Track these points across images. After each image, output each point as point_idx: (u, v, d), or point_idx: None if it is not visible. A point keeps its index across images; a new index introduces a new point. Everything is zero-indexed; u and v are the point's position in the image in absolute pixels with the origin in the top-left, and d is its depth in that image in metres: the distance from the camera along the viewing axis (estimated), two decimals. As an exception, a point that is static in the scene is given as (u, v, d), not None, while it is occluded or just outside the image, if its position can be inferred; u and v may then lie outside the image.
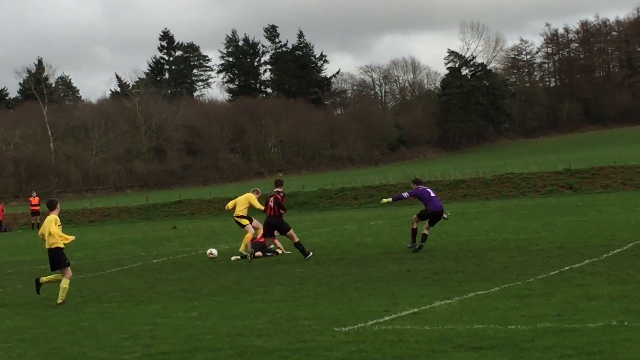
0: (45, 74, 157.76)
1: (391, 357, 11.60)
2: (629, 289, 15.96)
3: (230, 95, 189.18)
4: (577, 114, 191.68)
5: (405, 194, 27.18)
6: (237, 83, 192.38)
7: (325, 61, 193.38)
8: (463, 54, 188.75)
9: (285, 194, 28.43)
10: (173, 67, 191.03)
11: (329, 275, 21.29)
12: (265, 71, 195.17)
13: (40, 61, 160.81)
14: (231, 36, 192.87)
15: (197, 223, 54.63)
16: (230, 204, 29.64)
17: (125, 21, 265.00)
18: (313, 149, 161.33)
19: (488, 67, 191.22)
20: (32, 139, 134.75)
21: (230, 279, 22.05)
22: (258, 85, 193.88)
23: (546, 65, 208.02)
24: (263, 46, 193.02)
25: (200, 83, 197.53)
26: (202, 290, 20.25)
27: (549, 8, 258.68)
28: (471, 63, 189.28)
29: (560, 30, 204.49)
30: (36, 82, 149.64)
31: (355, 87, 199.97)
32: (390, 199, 27.57)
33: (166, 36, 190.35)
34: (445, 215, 26.37)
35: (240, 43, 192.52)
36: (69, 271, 19.65)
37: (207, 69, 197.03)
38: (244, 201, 29.00)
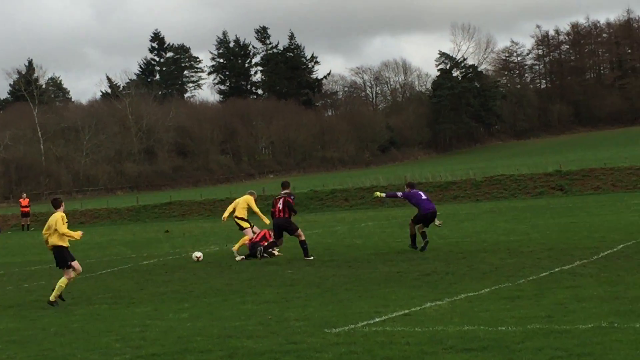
0: (35, 75, 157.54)
1: (381, 358, 11.61)
2: (618, 291, 15.98)
3: (221, 96, 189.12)
4: (568, 115, 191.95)
5: (399, 194, 27.45)
6: (227, 84, 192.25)
7: (316, 62, 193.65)
8: (454, 56, 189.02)
9: (294, 195, 28.48)
10: (164, 69, 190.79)
11: (319, 277, 21.29)
12: (256, 72, 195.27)
13: (30, 62, 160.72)
14: (222, 37, 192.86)
15: (187, 224, 54.57)
16: (226, 213, 29.65)
17: (115, 22, 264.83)
18: (304, 150, 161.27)
19: (479, 69, 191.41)
20: (22, 140, 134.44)
21: (221, 281, 22.04)
22: (249, 86, 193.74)
23: (537, 67, 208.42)
24: (254, 47, 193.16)
25: (191, 84, 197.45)
26: (193, 291, 20.23)
27: (539, 10, 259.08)
28: (462, 65, 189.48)
29: (551, 32, 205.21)
30: (26, 83, 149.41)
31: (346, 89, 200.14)
32: (383, 195, 27.85)
33: (157, 37, 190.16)
34: (437, 223, 26.55)
35: (231, 44, 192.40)
36: (70, 272, 19.68)
37: (198, 70, 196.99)
38: (244, 203, 29.13)
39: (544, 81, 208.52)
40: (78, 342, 14.28)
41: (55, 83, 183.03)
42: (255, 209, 28.78)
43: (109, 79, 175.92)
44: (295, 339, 13.17)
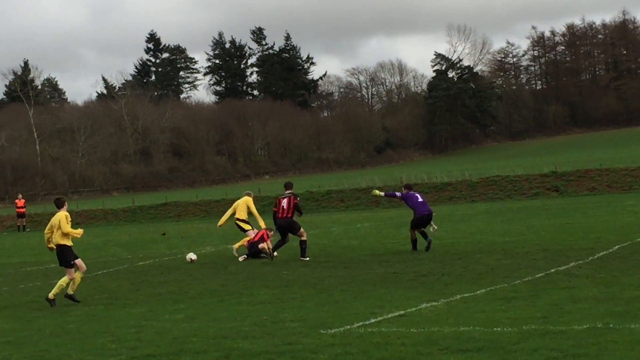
0: (31, 75, 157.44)
1: (377, 359, 11.61)
2: (614, 291, 16.00)
3: (217, 97, 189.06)
4: (563, 116, 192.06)
5: (397, 193, 27.51)
6: (223, 85, 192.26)
7: (312, 63, 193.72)
8: (450, 57, 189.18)
9: (297, 195, 28.54)
10: (159, 69, 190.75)
11: (315, 278, 21.28)
12: (251, 73, 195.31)
13: (26, 63, 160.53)
14: (218, 38, 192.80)
15: (183, 225, 54.55)
16: (225, 218, 29.68)
17: (111, 23, 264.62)
18: (300, 151, 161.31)
19: (475, 70, 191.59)
20: (17, 141, 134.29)
21: (217, 282, 22.03)
22: (245, 87, 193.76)
23: (532, 68, 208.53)
24: (250, 48, 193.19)
25: (186, 85, 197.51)
26: (188, 292, 20.22)
27: (535, 11, 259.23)
28: (458, 66, 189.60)
29: (547, 33, 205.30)
30: (22, 84, 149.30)
31: (341, 90, 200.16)
32: (382, 194, 27.98)
33: (153, 38, 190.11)
34: (432, 230, 26.67)
35: (227, 45, 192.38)
36: (72, 272, 19.71)
37: (194, 71, 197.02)
38: (244, 205, 29.19)
39: (540, 82, 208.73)
40: (74, 343, 14.26)
41: (51, 84, 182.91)
42: (254, 210, 28.88)
43: (104, 79, 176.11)
44: (291, 340, 13.16)
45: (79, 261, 19.85)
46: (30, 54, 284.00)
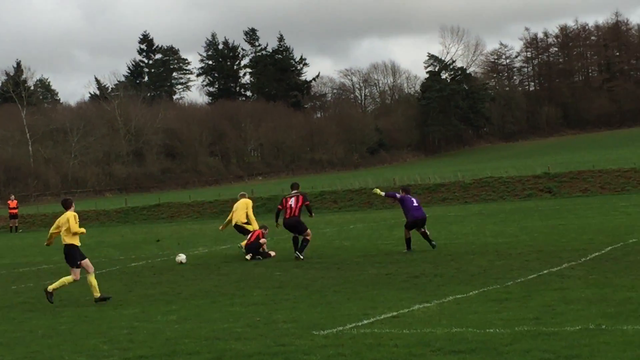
0: (23, 76, 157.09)
1: (370, 360, 11.61)
2: (606, 293, 16.01)
3: (210, 98, 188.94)
4: (556, 118, 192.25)
5: (397, 194, 27.50)
6: (216, 86, 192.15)
7: (305, 64, 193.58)
8: (443, 58, 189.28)
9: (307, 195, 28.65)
10: (152, 70, 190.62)
11: (308, 279, 21.28)
12: (245, 74, 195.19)
13: (19, 64, 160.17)
14: (211, 39, 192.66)
15: (176, 226, 54.51)
16: (227, 222, 29.85)
17: (104, 24, 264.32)
18: (293, 152, 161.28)
19: (468, 71, 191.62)
20: (10, 141, 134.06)
21: (209, 283, 22.02)
22: (238, 88, 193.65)
23: (525, 70, 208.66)
24: (243, 49, 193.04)
25: (179, 86, 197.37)
26: (181, 293, 20.21)
27: (528, 12, 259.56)
28: (451, 67, 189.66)
29: (540, 35, 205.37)
30: (15, 84, 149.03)
31: (335, 91, 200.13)
32: (383, 193, 28.01)
33: (146, 39, 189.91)
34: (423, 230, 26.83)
35: (220, 46, 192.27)
36: (76, 272, 19.81)
37: (187, 72, 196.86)
38: (243, 207, 29.30)
39: (533, 83, 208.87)
40: (66, 344, 14.24)
41: (43, 84, 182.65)
42: (251, 213, 29.09)
43: (97, 80, 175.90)
44: (284, 341, 13.16)
45: (85, 262, 19.92)
46: (23, 54, 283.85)
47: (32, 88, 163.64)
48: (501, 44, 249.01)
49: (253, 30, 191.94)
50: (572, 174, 58.52)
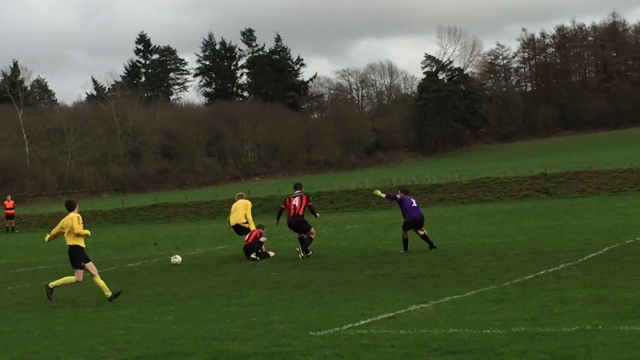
0: (20, 77, 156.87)
1: (366, 361, 11.61)
2: (603, 293, 16.02)
3: (207, 98, 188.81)
4: (553, 118, 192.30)
5: (398, 195, 27.48)
6: (213, 87, 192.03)
7: (302, 65, 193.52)
8: (440, 59, 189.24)
9: (310, 196, 28.76)
10: (149, 71, 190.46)
11: (304, 280, 21.28)
12: (242, 75, 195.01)
13: (15, 64, 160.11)
14: (208, 40, 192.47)
15: (173, 227, 54.48)
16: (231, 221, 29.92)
17: (101, 24, 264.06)
18: (290, 153, 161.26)
19: (465, 72, 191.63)
20: (7, 142, 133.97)
21: (206, 283, 22.01)
22: (235, 89, 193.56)
23: (522, 70, 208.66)
24: (240, 50, 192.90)
25: (176, 86, 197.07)
26: (178, 294, 20.20)
27: (525, 13, 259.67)
28: (448, 67, 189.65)
29: (537, 35, 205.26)
30: (11, 85, 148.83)
31: (332, 91, 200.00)
32: (383, 195, 27.98)
33: (143, 39, 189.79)
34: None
35: (217, 47, 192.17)
36: (79, 273, 19.93)
37: (184, 72, 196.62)
38: (243, 208, 29.35)
39: (530, 84, 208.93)
40: (62, 345, 14.23)
41: (40, 85, 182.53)
42: (249, 214, 29.16)
43: (94, 81, 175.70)
44: (280, 342, 13.16)
45: (90, 265, 20.01)
46: (19, 54, 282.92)
47: (28, 88, 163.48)
48: (498, 44, 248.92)
49: (250, 31, 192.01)
50: (569, 175, 58.51)
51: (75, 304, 19.52)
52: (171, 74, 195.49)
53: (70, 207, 20.28)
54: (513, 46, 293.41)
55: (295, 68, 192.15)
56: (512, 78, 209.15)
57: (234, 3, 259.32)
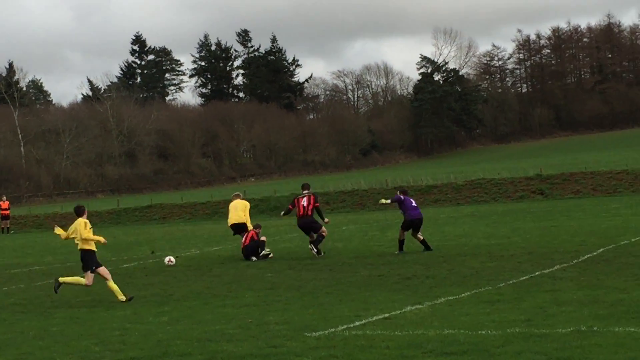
0: (16, 77, 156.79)
1: (361, 362, 11.61)
2: (598, 294, 16.03)
3: (203, 99, 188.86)
4: (549, 119, 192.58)
5: (401, 197, 27.44)
6: (209, 87, 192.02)
7: (298, 66, 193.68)
8: (435, 60, 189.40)
9: (317, 196, 28.79)
10: (145, 71, 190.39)
11: (300, 280, 21.27)
12: (237, 76, 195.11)
13: (11, 64, 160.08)
14: (203, 40, 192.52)
15: (168, 227, 54.46)
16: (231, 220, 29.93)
17: (96, 25, 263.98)
18: (285, 153, 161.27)
19: (460, 73, 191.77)
20: (2, 142, 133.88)
21: (201, 284, 22.00)
22: (230, 89, 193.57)
23: (518, 71, 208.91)
24: (235, 51, 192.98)
25: (172, 87, 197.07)
26: (173, 295, 20.19)
27: (521, 14, 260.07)
28: (443, 68, 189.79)
29: (532, 36, 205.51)
30: (7, 85, 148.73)
31: (327, 92, 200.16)
32: (388, 201, 27.86)
33: (138, 40, 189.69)
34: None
35: (213, 47, 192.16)
36: (90, 277, 19.98)
37: (180, 73, 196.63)
38: (243, 207, 29.41)
39: (525, 85, 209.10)
40: (57, 346, 14.21)
41: (36, 85, 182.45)
42: (247, 214, 29.26)
43: (90, 81, 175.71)
44: (275, 343, 13.15)
45: (102, 270, 20.06)
46: (15, 55, 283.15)
47: (24, 89, 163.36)
48: (494, 45, 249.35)
49: (246, 32, 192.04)
50: (564, 176, 58.56)
51: (70, 305, 19.50)
52: (167, 75, 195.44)
53: (78, 213, 20.48)
54: (508, 47, 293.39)
55: (291, 69, 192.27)
56: (507, 79, 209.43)
57: (229, 4, 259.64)
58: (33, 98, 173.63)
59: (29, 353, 13.75)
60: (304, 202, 27.21)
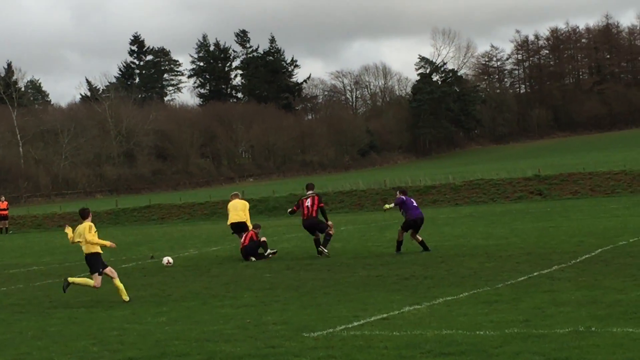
0: (14, 77, 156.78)
1: (360, 362, 11.61)
2: (596, 295, 16.04)
3: (201, 100, 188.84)
4: (547, 120, 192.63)
5: (403, 197, 27.41)
6: (207, 88, 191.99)
7: (296, 66, 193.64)
8: (434, 60, 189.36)
9: (322, 197, 28.77)
10: (143, 72, 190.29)
11: (298, 281, 21.28)
12: (236, 76, 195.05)
13: (9, 65, 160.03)
14: (202, 41, 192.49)
15: (167, 228, 54.44)
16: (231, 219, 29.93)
17: (95, 25, 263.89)
18: (284, 154, 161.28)
19: (459, 73, 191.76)
20: (0, 143, 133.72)
21: (200, 284, 22.00)
22: (229, 90, 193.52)
23: (516, 72, 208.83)
24: (234, 51, 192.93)
25: (170, 88, 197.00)
26: (171, 295, 20.19)
27: (519, 15, 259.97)
28: (442, 69, 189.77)
29: (531, 37, 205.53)
30: (5, 85, 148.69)
31: (326, 93, 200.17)
32: (392, 205, 27.74)
33: (137, 40, 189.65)
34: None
35: (211, 48, 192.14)
36: (98, 279, 20.02)
37: (178, 73, 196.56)
38: (243, 207, 29.45)
39: (523, 86, 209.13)
40: (55, 346, 14.21)
41: (34, 86, 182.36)
42: (247, 214, 29.29)
43: (88, 82, 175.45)
44: (274, 343, 13.16)
45: (109, 269, 20.13)
46: (13, 55, 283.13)
47: (22, 89, 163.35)
48: (492, 46, 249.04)
49: (244, 32, 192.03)
50: (562, 176, 58.54)
51: (68, 305, 19.49)
52: (165, 75, 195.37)
53: (83, 216, 20.52)
54: (507, 48, 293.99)
55: (290, 69, 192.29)
56: (505, 80, 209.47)
57: (228, 4, 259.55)
58: (31, 98, 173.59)
59: (28, 353, 13.75)
60: (308, 203, 27.18)
